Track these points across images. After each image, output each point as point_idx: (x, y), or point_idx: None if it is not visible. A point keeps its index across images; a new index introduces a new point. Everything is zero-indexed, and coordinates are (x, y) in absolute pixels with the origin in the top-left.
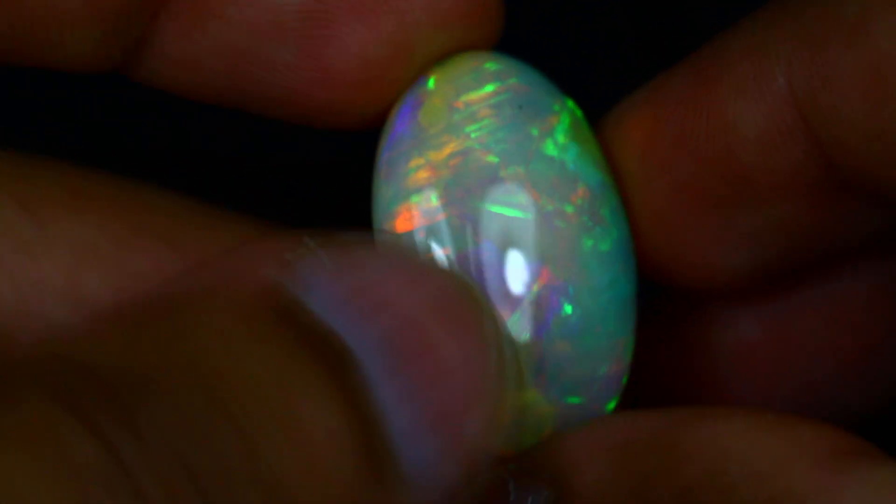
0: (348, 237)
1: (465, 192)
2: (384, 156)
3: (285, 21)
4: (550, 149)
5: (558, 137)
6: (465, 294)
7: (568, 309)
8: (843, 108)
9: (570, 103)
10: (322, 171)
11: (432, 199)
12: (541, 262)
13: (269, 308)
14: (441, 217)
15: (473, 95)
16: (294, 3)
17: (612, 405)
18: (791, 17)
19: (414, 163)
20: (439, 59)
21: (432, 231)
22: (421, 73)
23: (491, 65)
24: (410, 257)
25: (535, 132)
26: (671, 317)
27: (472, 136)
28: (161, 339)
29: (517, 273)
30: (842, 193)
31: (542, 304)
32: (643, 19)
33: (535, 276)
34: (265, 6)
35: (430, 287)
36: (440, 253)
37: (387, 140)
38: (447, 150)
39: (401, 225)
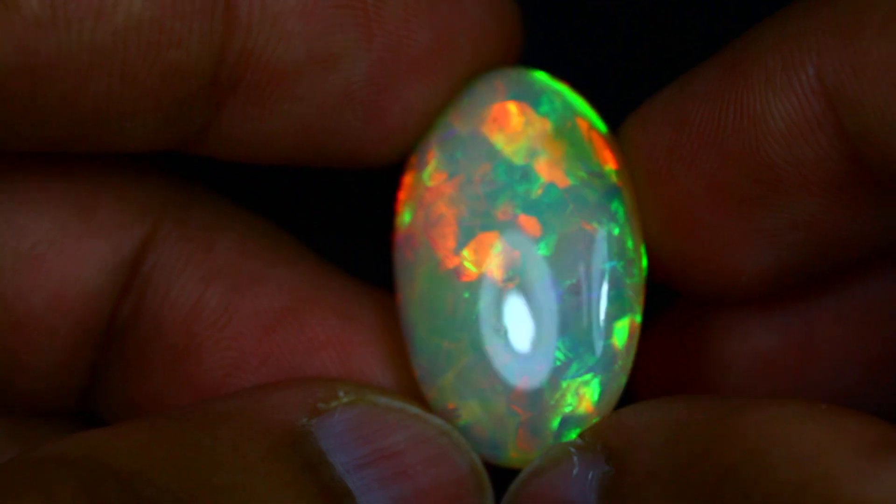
0: (380, 400)
1: None
2: None
3: (354, 90)
4: None
5: None
6: (476, 480)
7: None
8: (871, 98)
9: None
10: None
11: None
12: None
13: (296, 454)
14: None
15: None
16: (362, 74)
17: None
18: (824, 6)
19: None
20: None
21: None
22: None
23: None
24: (434, 432)
25: None
26: (683, 326)
27: None
28: (190, 455)
29: None
30: (869, 191)
31: None
32: (650, 26)
33: None
34: (335, 80)
35: (446, 467)
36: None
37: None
38: None
39: None
